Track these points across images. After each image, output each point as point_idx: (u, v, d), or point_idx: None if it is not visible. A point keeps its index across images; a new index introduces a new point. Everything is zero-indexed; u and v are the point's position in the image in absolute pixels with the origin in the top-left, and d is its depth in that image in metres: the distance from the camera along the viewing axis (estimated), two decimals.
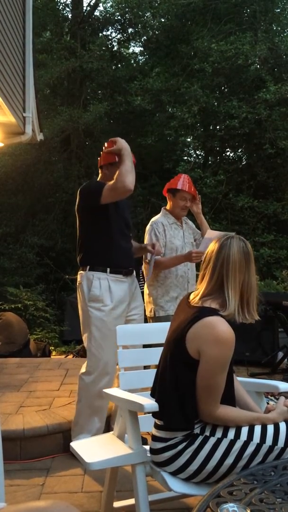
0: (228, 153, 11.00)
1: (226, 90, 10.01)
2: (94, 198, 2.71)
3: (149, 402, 1.75)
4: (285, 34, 9.84)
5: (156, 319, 3.20)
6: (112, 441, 2.02)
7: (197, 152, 10.99)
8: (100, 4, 11.21)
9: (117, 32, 11.31)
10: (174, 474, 1.73)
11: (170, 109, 9.68)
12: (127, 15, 10.58)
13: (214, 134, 9.84)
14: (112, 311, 2.75)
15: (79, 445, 1.98)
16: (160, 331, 2.12)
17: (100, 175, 2.96)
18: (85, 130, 9.85)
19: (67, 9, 11.41)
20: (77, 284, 2.86)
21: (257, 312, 1.78)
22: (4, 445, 1.94)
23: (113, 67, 10.66)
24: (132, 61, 11.45)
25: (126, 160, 2.68)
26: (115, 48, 11.29)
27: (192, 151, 10.85)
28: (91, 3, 11.17)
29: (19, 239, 9.39)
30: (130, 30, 11.10)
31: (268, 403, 1.98)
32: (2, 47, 3.74)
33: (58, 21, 11.04)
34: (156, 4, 10.07)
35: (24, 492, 2.44)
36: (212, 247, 1.81)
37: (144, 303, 3.18)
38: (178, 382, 1.72)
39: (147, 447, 1.86)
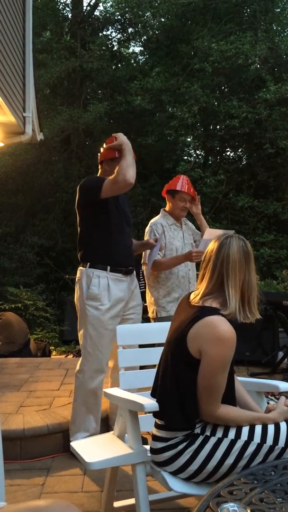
0: (228, 153, 11.01)
1: (226, 89, 10.01)
2: (94, 192, 2.71)
3: (149, 402, 1.75)
4: (285, 34, 9.84)
5: (158, 319, 3.20)
6: (112, 441, 2.02)
7: (197, 152, 11.00)
8: (100, 4, 11.23)
9: (117, 32, 11.32)
10: (174, 474, 1.73)
11: (170, 109, 9.69)
12: (127, 14, 10.59)
13: (214, 134, 9.84)
14: (109, 310, 2.75)
15: (79, 445, 1.98)
16: (161, 331, 2.12)
17: (100, 170, 2.96)
18: (85, 130, 9.86)
19: (67, 9, 11.42)
20: (76, 279, 2.86)
21: (258, 311, 1.78)
22: (4, 445, 1.94)
23: (113, 67, 10.67)
24: (132, 61, 11.45)
25: (127, 155, 2.68)
26: (115, 48, 11.30)
27: (192, 151, 10.87)
28: (91, 3, 11.19)
29: (19, 239, 9.40)
30: (130, 30, 11.11)
31: (268, 403, 1.98)
32: (2, 47, 3.74)
33: (58, 21, 11.05)
34: (156, 4, 10.08)
35: (24, 492, 2.44)
36: (212, 246, 1.81)
37: (143, 303, 3.17)
38: (178, 382, 1.72)
39: (147, 447, 1.86)
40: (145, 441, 2.28)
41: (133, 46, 11.65)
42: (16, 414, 3.12)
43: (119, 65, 11.02)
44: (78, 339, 2.91)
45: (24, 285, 7.87)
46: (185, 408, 1.70)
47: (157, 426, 1.80)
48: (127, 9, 10.31)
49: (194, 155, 10.83)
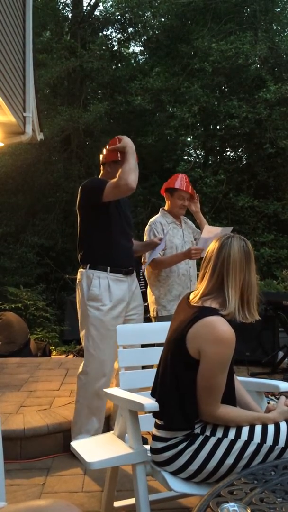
0: (228, 153, 11.01)
1: (226, 89, 10.01)
2: (96, 195, 2.71)
3: (149, 402, 1.75)
4: (285, 34, 9.84)
5: (159, 318, 3.20)
6: (113, 441, 2.02)
7: (197, 151, 11.00)
8: (100, 4, 11.23)
9: (117, 31, 11.33)
10: (174, 473, 1.73)
11: (170, 109, 9.69)
12: (127, 14, 10.59)
13: (214, 133, 9.84)
14: (111, 311, 2.75)
15: (79, 445, 1.98)
16: (161, 331, 2.12)
17: (101, 172, 2.96)
18: (85, 130, 9.86)
19: (67, 8, 11.42)
20: (77, 281, 2.86)
21: (257, 312, 1.78)
22: (4, 445, 1.94)
23: (113, 67, 10.67)
24: (132, 61, 11.46)
25: (130, 158, 2.67)
26: (115, 47, 11.30)
27: (192, 150, 10.87)
28: (91, 3, 11.20)
29: (19, 239, 9.40)
30: (130, 29, 11.11)
31: (268, 403, 1.98)
32: (2, 47, 3.75)
33: (58, 21, 11.05)
34: (156, 4, 10.08)
35: (25, 492, 2.45)
36: (213, 246, 1.81)
37: (144, 303, 3.17)
38: (178, 382, 1.72)
39: (147, 447, 1.86)
40: (145, 441, 2.28)
41: (133, 46, 11.67)
42: (16, 414, 3.12)
43: (119, 65, 11.03)
44: (78, 339, 2.90)
45: (24, 285, 7.87)
46: (185, 408, 1.70)
47: (157, 426, 1.81)
48: (127, 9, 10.32)
49: (194, 155, 10.84)
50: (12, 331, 5.44)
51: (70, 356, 5.76)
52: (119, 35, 11.40)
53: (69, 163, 10.30)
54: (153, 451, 1.79)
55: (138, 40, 11.23)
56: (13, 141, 4.71)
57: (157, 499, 2.12)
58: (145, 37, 10.87)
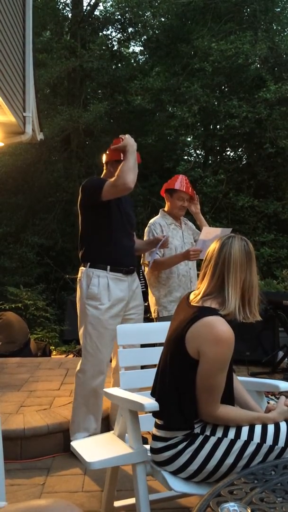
0: (228, 153, 11.01)
1: (226, 89, 10.00)
2: (95, 194, 2.72)
3: (149, 402, 1.75)
4: (285, 34, 9.83)
5: (160, 319, 3.20)
6: (113, 441, 2.02)
7: (197, 151, 10.99)
8: (100, 4, 11.22)
9: (117, 31, 11.32)
10: (174, 473, 1.73)
11: (170, 109, 9.68)
12: (127, 14, 10.58)
13: (214, 133, 9.84)
14: (109, 309, 2.76)
15: (79, 445, 1.99)
16: (161, 331, 2.12)
17: (104, 171, 2.96)
18: (85, 130, 9.86)
19: (67, 8, 11.41)
20: (77, 280, 2.87)
21: (258, 312, 1.78)
22: (4, 445, 1.94)
23: (113, 67, 10.66)
24: (132, 61, 11.45)
25: (130, 158, 2.67)
26: (115, 47, 11.29)
27: (192, 150, 10.86)
28: (91, 3, 11.19)
29: (20, 238, 9.40)
30: (130, 29, 11.10)
31: (268, 403, 1.98)
32: (2, 47, 3.74)
33: (58, 21, 11.05)
34: (156, 4, 10.07)
35: (25, 492, 2.45)
36: (214, 246, 1.81)
37: (144, 303, 3.18)
38: (178, 382, 1.72)
39: (147, 447, 1.86)
40: (145, 441, 2.28)
41: (133, 45, 11.66)
42: (16, 414, 3.12)
43: (119, 65, 11.02)
44: (78, 339, 2.92)
45: (24, 285, 7.87)
46: (185, 408, 1.70)
47: (157, 426, 1.81)
48: (127, 8, 10.31)
49: (194, 154, 10.84)
50: (12, 331, 5.44)
51: (70, 356, 5.76)
52: (119, 35, 11.40)
53: (69, 163, 10.30)
54: (153, 451, 1.79)
55: (138, 40, 11.23)
56: (13, 141, 4.71)
57: (157, 499, 2.12)
58: (145, 37, 10.87)
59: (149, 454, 1.83)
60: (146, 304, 3.30)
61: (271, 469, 1.46)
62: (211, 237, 2.97)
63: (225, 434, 1.68)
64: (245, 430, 1.68)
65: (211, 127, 10.22)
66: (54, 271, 9.23)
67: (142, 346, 2.51)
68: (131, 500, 2.04)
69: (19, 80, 4.35)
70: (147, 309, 3.32)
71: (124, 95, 9.72)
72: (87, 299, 2.76)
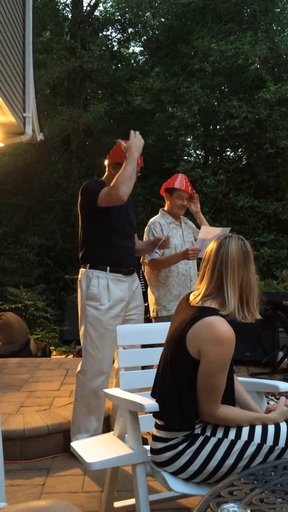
0: (228, 153, 11.01)
1: (226, 89, 10.01)
2: (92, 199, 2.73)
3: (149, 402, 1.75)
4: (285, 34, 9.83)
5: (159, 319, 3.20)
6: (113, 441, 2.02)
7: (197, 151, 10.99)
8: (100, 4, 11.22)
9: (117, 32, 11.32)
10: (174, 474, 1.73)
11: (170, 109, 9.68)
12: (127, 15, 10.59)
13: (214, 133, 9.84)
14: (109, 310, 2.76)
15: (79, 445, 1.98)
16: (161, 331, 2.12)
17: (106, 173, 2.96)
18: (85, 130, 9.86)
19: (67, 9, 11.41)
20: (78, 280, 2.88)
21: (258, 311, 1.78)
22: (4, 445, 1.94)
23: (113, 67, 10.67)
24: (132, 61, 11.45)
25: (128, 166, 2.63)
26: (115, 48, 11.30)
27: (192, 150, 10.86)
28: (91, 3, 11.19)
29: (19, 239, 9.40)
30: (130, 30, 11.11)
31: (268, 403, 1.98)
32: (2, 47, 3.74)
33: (58, 21, 11.04)
34: (156, 4, 10.07)
35: (25, 492, 2.45)
36: (211, 246, 1.81)
37: (144, 303, 3.18)
38: (178, 382, 1.72)
39: (147, 447, 1.86)
40: (145, 442, 2.28)
41: (133, 46, 11.66)
42: (16, 414, 3.12)
43: (119, 65, 11.02)
44: (78, 339, 2.92)
45: (24, 285, 7.87)
46: (185, 409, 1.70)
47: (157, 426, 1.81)
48: (127, 9, 10.31)
49: (194, 155, 10.83)
50: (12, 331, 5.44)
51: (70, 356, 5.76)
52: (119, 35, 11.40)
53: (69, 163, 10.30)
54: (153, 451, 1.79)
55: (138, 40, 11.23)
56: (13, 141, 4.71)
57: (157, 500, 2.12)
58: (145, 37, 10.87)
59: (149, 454, 1.83)
60: (146, 304, 3.30)
61: (271, 469, 1.46)
62: (210, 236, 2.97)
63: (225, 435, 1.68)
64: (245, 430, 1.68)
65: (211, 127, 10.22)
66: (54, 272, 9.23)
67: (143, 346, 2.51)
68: (131, 501, 2.04)
69: (19, 81, 4.35)
70: (147, 310, 3.32)
71: (124, 96, 9.72)
72: (86, 300, 2.77)
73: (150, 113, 9.68)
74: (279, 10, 9.98)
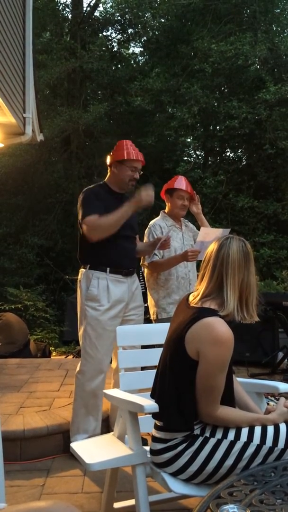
0: (228, 154, 11.01)
1: (226, 90, 10.01)
2: (80, 217, 2.78)
3: (149, 403, 1.75)
4: (285, 35, 9.83)
5: (159, 321, 3.19)
6: (112, 442, 2.02)
7: (197, 152, 10.99)
8: (100, 5, 11.23)
9: (117, 32, 11.32)
10: (174, 475, 1.73)
11: (170, 110, 9.68)
12: (127, 15, 10.59)
13: (214, 134, 9.84)
14: (108, 311, 2.77)
15: (79, 446, 1.98)
16: (160, 332, 2.12)
17: (108, 174, 2.96)
18: (85, 131, 9.86)
19: (67, 9, 11.42)
20: (77, 281, 2.88)
21: (256, 313, 1.78)
22: (4, 446, 1.94)
23: (113, 68, 10.67)
24: (132, 62, 11.46)
25: (124, 212, 2.69)
26: (115, 48, 11.30)
27: (192, 151, 10.86)
28: (91, 4, 11.19)
29: (19, 239, 9.40)
30: (130, 30, 11.11)
31: (268, 404, 1.98)
32: (2, 47, 3.74)
33: (58, 22, 11.05)
34: (156, 5, 10.08)
35: (24, 493, 2.44)
36: (212, 247, 1.81)
37: (144, 304, 3.17)
38: (177, 383, 1.72)
39: (147, 448, 1.86)
40: (145, 442, 2.28)
41: (133, 46, 11.67)
42: (16, 415, 3.12)
43: (119, 66, 11.03)
44: (78, 340, 2.92)
45: (24, 285, 7.87)
46: (184, 409, 1.70)
47: (156, 427, 1.81)
48: (127, 9, 10.31)
49: (194, 155, 10.83)
50: (12, 331, 5.44)
51: (70, 357, 5.76)
52: (119, 36, 11.41)
53: (69, 164, 10.30)
54: (153, 452, 1.79)
55: (138, 41, 11.24)
56: (13, 142, 4.71)
57: (157, 500, 2.12)
58: (145, 38, 10.87)
59: (148, 455, 1.83)
60: (146, 305, 3.30)
61: (271, 470, 1.46)
62: (210, 238, 2.97)
63: (224, 436, 1.68)
64: (244, 431, 1.68)
65: (211, 128, 10.22)
66: (54, 272, 9.23)
67: (143, 347, 2.51)
68: (131, 502, 2.04)
69: (19, 81, 4.35)
70: (147, 310, 3.32)
71: (124, 96, 9.72)
72: (86, 301, 2.78)
73: (150, 114, 9.68)
74: (279, 11, 9.99)
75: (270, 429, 1.68)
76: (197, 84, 8.86)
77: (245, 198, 8.88)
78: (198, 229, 3.49)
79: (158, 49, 10.54)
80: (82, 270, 2.86)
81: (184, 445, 1.70)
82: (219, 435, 1.69)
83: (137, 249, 3.02)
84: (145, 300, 3.26)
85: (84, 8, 11.15)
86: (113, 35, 11.40)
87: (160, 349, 1.91)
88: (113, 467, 1.99)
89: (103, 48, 10.48)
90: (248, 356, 4.82)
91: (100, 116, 9.40)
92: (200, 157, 10.86)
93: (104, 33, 11.23)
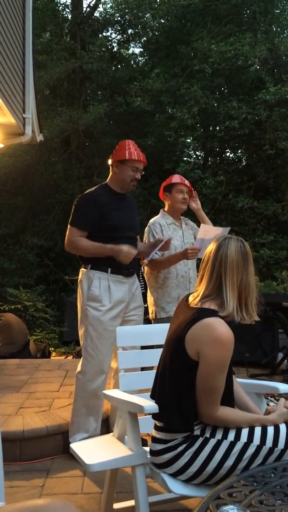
0: (228, 154, 11.01)
1: (226, 91, 10.02)
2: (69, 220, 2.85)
3: (149, 404, 1.75)
4: (284, 35, 9.84)
5: (158, 320, 3.19)
6: (112, 443, 2.02)
7: (197, 153, 11.00)
8: (100, 5, 11.23)
9: (117, 33, 11.32)
10: (174, 475, 1.73)
11: (170, 110, 9.69)
12: (127, 16, 10.59)
13: (214, 135, 9.84)
14: (109, 311, 2.77)
15: (79, 447, 1.98)
16: (160, 332, 2.12)
17: (110, 174, 2.96)
18: (85, 131, 9.86)
19: (67, 10, 11.42)
20: (78, 281, 2.88)
21: (256, 313, 1.78)
22: (4, 446, 1.94)
23: (113, 68, 10.67)
24: (132, 62, 11.46)
25: (97, 247, 2.76)
26: (115, 49, 11.30)
27: (192, 151, 10.86)
28: (91, 4, 11.20)
29: (19, 240, 9.40)
30: (130, 31, 11.11)
31: (268, 405, 1.97)
32: (2, 48, 3.74)
33: (58, 22, 11.05)
34: (156, 5, 10.08)
35: (24, 494, 2.44)
36: (210, 248, 1.81)
37: (144, 304, 3.17)
38: (177, 383, 1.72)
39: (147, 449, 1.86)
40: (145, 443, 2.28)
41: (133, 47, 11.67)
42: (15, 415, 3.12)
43: (119, 66, 11.03)
44: (78, 340, 2.92)
45: (24, 286, 7.87)
46: (184, 410, 1.70)
47: (156, 428, 1.80)
48: (127, 10, 10.32)
49: (194, 156, 10.84)
50: (12, 332, 5.44)
51: (70, 357, 5.76)
52: (118, 36, 11.41)
53: (68, 164, 10.30)
54: (153, 453, 1.78)
55: (138, 41, 11.24)
56: (12, 142, 4.71)
57: (156, 501, 2.11)
58: (144, 38, 10.87)
59: (148, 456, 1.83)
60: (146, 305, 3.30)
61: (271, 471, 1.46)
62: (210, 236, 2.97)
63: (224, 436, 1.68)
64: (244, 432, 1.68)
65: (211, 128, 10.23)
66: (53, 272, 9.23)
67: (142, 348, 2.51)
68: (131, 502, 2.04)
69: (19, 82, 4.35)
70: (147, 311, 3.32)
71: (124, 97, 9.73)
72: (88, 301, 2.78)
73: (150, 114, 9.68)
74: (278, 11, 10.00)
75: (270, 430, 1.68)
76: (197, 85, 8.87)
77: (245, 198, 8.88)
78: (199, 226, 3.49)
79: (158, 49, 10.55)
80: (83, 270, 2.86)
81: (184, 445, 1.70)
82: (219, 435, 1.69)
83: (138, 249, 3.02)
84: (145, 301, 3.26)
85: (84, 9, 11.16)
86: (113, 35, 11.41)
87: (160, 350, 1.91)
88: (112, 467, 1.99)
89: (103, 49, 10.48)
90: (248, 356, 4.81)
91: (100, 116, 9.40)
92: (200, 158, 10.86)
93: (104, 34, 11.24)
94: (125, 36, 11.31)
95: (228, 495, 1.28)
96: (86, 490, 2.49)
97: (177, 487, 1.71)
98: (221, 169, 9.63)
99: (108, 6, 11.24)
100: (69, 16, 11.34)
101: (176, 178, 3.32)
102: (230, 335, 1.64)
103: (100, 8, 11.31)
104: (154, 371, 1.93)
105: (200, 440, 1.70)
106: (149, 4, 9.98)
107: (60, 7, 11.38)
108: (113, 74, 10.33)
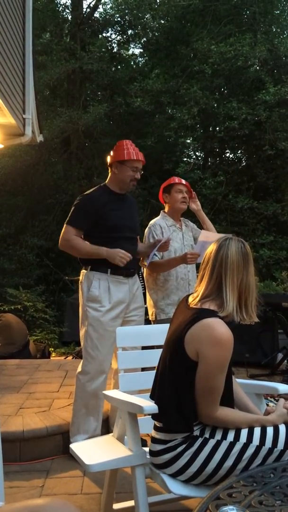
0: (227, 154, 11.01)
1: (225, 91, 10.02)
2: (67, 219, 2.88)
3: (148, 404, 1.75)
4: (284, 36, 9.84)
5: (157, 322, 3.19)
6: (112, 443, 2.02)
7: (197, 153, 11.00)
8: (100, 6, 11.23)
9: (117, 33, 11.32)
10: (173, 476, 1.73)
11: (169, 111, 9.69)
12: (126, 16, 10.59)
13: (213, 135, 9.84)
14: (109, 312, 2.77)
15: (78, 447, 1.98)
16: (160, 333, 2.12)
17: (109, 174, 2.96)
18: (85, 131, 9.86)
19: (67, 10, 11.42)
20: (79, 282, 2.89)
21: (256, 314, 1.78)
22: (3, 447, 1.94)
23: (113, 69, 10.67)
24: (132, 63, 11.46)
25: (92, 248, 2.78)
26: (115, 49, 11.30)
27: (192, 152, 10.86)
28: (91, 5, 11.19)
29: (19, 240, 9.39)
30: (129, 31, 11.11)
31: (267, 405, 1.98)
32: (2, 48, 3.75)
33: (58, 23, 11.05)
34: (156, 6, 10.08)
35: (24, 494, 2.44)
36: (211, 248, 1.81)
37: (145, 304, 3.18)
38: (177, 384, 1.72)
39: (146, 449, 1.86)
40: (144, 443, 2.28)
41: (133, 47, 11.66)
42: (15, 416, 3.12)
43: (119, 67, 11.03)
44: (77, 340, 2.93)
45: (24, 286, 7.86)
46: (184, 410, 1.70)
47: (156, 428, 1.81)
48: (126, 11, 10.32)
49: (194, 156, 10.83)
50: (12, 332, 5.44)
51: (70, 357, 5.76)
52: (118, 37, 11.40)
53: (68, 165, 10.30)
54: (152, 453, 1.79)
55: (138, 42, 11.23)
56: (12, 143, 4.71)
57: (156, 501, 2.12)
58: (144, 39, 10.87)
59: (148, 456, 1.83)
60: (146, 306, 3.30)
61: (270, 472, 1.46)
62: (210, 241, 2.97)
63: (224, 437, 1.68)
64: (244, 432, 1.68)
65: (211, 129, 10.23)
66: (53, 273, 9.22)
67: (142, 348, 2.51)
68: (130, 503, 2.04)
69: (19, 82, 4.35)
70: (147, 311, 3.32)
71: (123, 97, 9.72)
72: (88, 302, 2.79)
73: (150, 115, 9.68)
74: (278, 12, 10.00)
75: (270, 430, 1.69)
76: (196, 85, 8.87)
77: (244, 199, 8.88)
78: (199, 227, 3.49)
79: (158, 50, 10.55)
80: (83, 272, 2.87)
81: (183, 446, 1.70)
82: (218, 436, 1.69)
83: (138, 250, 3.02)
84: (145, 301, 3.26)
85: (84, 9, 11.15)
86: (113, 36, 11.41)
87: (160, 350, 1.91)
88: (112, 468, 1.99)
89: (103, 49, 10.47)
90: (247, 357, 4.82)
91: (100, 117, 9.40)
92: (199, 158, 10.86)
93: (104, 34, 11.24)
94: (125, 36, 11.31)
95: (228, 496, 1.28)
96: (86, 490, 2.49)
97: (176, 488, 1.71)
98: (221, 169, 9.63)
99: (108, 6, 11.25)
100: (69, 17, 11.34)
101: (174, 179, 3.34)
102: (230, 335, 1.64)
103: (100, 9, 11.32)
104: (154, 371, 1.93)
105: (200, 440, 1.70)
106: (149, 4, 9.98)
107: (60, 8, 11.38)
108: (113, 74, 10.33)
